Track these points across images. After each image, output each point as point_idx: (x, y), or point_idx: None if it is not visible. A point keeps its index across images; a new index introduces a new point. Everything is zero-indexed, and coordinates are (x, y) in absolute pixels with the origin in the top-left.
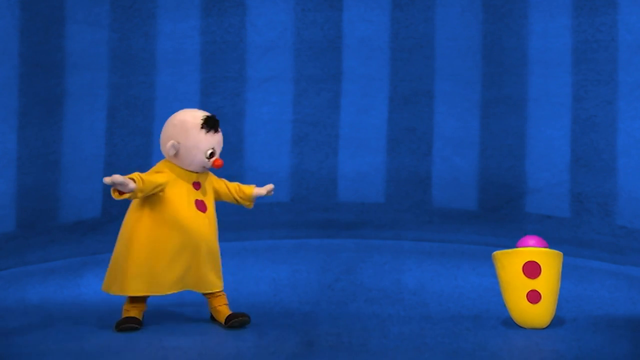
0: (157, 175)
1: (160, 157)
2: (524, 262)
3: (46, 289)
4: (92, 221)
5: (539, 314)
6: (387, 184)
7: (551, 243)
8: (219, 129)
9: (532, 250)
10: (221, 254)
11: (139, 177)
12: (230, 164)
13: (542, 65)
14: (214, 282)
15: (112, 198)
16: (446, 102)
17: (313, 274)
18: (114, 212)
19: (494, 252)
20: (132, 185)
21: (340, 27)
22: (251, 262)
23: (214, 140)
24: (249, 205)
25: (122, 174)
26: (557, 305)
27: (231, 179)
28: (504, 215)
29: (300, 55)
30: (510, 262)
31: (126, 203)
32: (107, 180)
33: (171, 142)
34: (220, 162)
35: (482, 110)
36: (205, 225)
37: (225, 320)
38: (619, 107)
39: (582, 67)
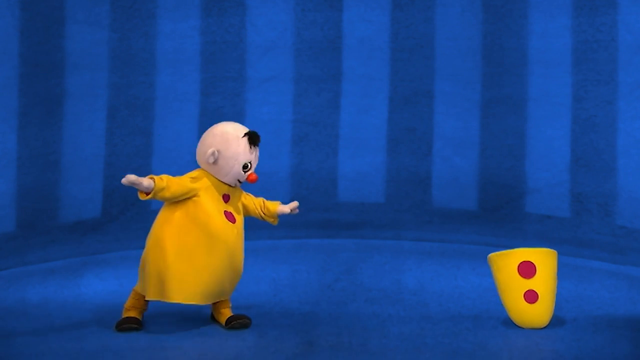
0: (192, 180)
1: (160, 159)
2: (518, 263)
3: (46, 289)
4: (92, 221)
5: (537, 314)
6: (387, 184)
7: (551, 243)
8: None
9: (526, 250)
10: None
11: (161, 177)
12: None
13: (542, 65)
14: (227, 292)
15: (113, 198)
16: (446, 102)
17: (313, 274)
18: (114, 212)
19: (489, 255)
20: (146, 183)
21: (340, 27)
22: (251, 262)
23: (252, 155)
24: (274, 222)
25: (122, 174)
26: (557, 305)
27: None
28: (504, 215)
29: (300, 55)
30: (505, 263)
31: (126, 203)
32: (123, 180)
33: (212, 149)
34: (255, 176)
35: (482, 110)
36: (234, 235)
37: (226, 321)
38: (619, 107)
39: (582, 67)
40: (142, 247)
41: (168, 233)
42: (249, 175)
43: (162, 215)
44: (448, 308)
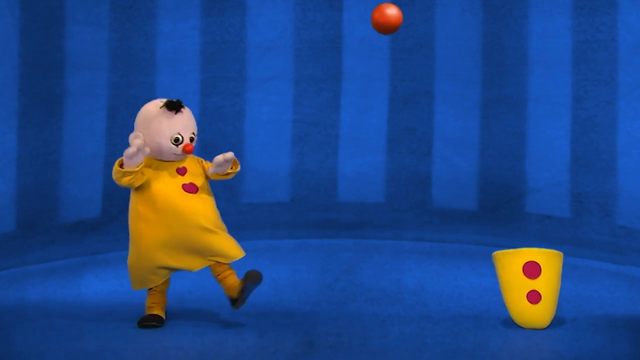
0: (145, 165)
1: None
2: (524, 263)
3: (46, 289)
4: (92, 221)
5: (539, 315)
6: (387, 184)
7: (551, 243)
8: (183, 111)
9: (533, 250)
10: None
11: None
12: None
13: (542, 65)
14: (229, 251)
15: (113, 198)
16: (446, 102)
17: (313, 274)
18: (113, 212)
19: (494, 252)
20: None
21: (340, 27)
22: (251, 262)
23: (178, 126)
24: (226, 176)
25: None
26: (557, 305)
27: (232, 179)
28: (504, 215)
29: (300, 55)
30: (510, 262)
31: (126, 203)
32: (133, 149)
33: (137, 135)
34: (190, 147)
35: (482, 110)
36: (197, 203)
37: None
38: (619, 107)
39: (582, 67)
40: None
41: (139, 225)
42: (183, 148)
43: (132, 215)
44: (448, 308)
